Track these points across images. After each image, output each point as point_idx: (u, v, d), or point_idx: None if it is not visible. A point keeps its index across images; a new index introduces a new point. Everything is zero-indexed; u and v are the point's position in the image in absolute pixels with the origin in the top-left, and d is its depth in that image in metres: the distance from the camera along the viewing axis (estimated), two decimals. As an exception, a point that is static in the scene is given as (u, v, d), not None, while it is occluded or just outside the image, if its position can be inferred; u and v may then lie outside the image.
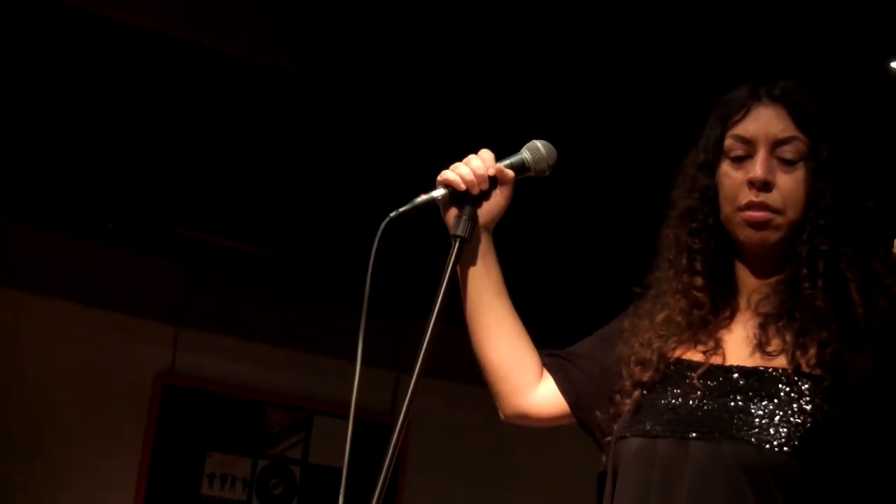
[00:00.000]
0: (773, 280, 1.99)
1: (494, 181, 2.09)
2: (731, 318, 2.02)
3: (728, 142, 2.00)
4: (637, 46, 4.16)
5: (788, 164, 1.96)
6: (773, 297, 1.98)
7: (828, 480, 1.83)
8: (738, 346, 1.98)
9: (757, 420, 1.86)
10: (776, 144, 1.96)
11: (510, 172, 2.10)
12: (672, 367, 1.99)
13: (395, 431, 1.89)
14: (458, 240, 2.05)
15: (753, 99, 1.99)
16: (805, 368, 1.89)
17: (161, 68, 4.43)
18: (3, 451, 5.38)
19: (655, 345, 2.02)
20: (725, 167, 2.00)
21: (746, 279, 2.02)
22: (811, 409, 1.86)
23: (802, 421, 1.84)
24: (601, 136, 4.44)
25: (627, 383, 2.02)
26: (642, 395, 1.99)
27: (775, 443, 1.83)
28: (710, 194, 2.02)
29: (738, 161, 1.98)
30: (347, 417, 1.89)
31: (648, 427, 1.94)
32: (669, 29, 4.04)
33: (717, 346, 1.99)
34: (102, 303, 5.60)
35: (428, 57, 4.15)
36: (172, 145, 4.76)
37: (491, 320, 2.14)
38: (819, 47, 3.95)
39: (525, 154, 2.12)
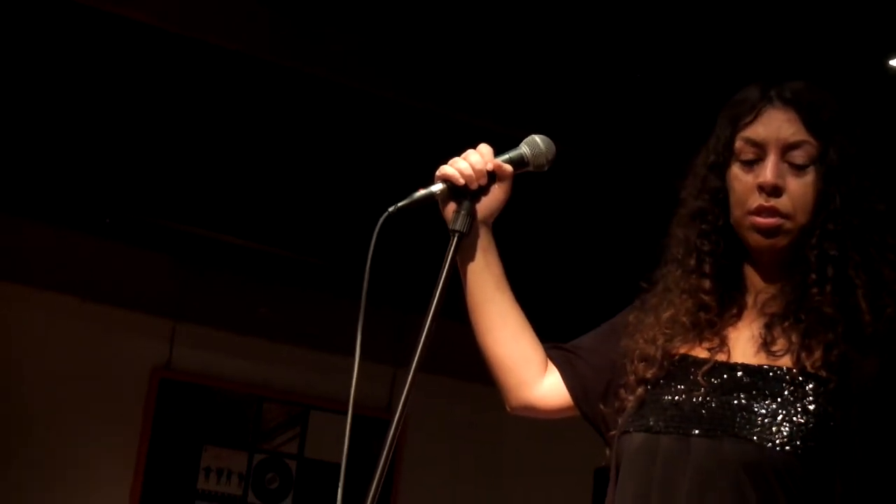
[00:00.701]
0: (780, 283, 1.99)
1: (493, 176, 2.09)
2: (738, 316, 2.02)
3: (738, 144, 1.99)
4: (638, 43, 4.15)
5: (798, 168, 1.95)
6: (779, 299, 1.98)
7: (829, 481, 1.82)
8: (743, 344, 1.98)
9: (760, 419, 1.86)
10: (786, 148, 1.96)
11: (508, 167, 2.10)
12: (677, 364, 1.99)
13: (391, 426, 1.89)
14: (456, 234, 2.05)
15: (764, 101, 1.98)
16: (810, 369, 1.88)
17: (162, 65, 4.42)
18: (-1, 445, 5.38)
19: (660, 342, 2.02)
20: (735, 170, 1.99)
21: (754, 280, 2.02)
22: (814, 409, 1.85)
23: (805, 421, 1.84)
24: (602, 132, 4.44)
25: (631, 378, 2.02)
26: (646, 391, 1.99)
27: (777, 441, 1.83)
28: (720, 196, 2.01)
29: (749, 164, 1.97)
30: (344, 412, 1.93)
31: (652, 422, 1.94)
32: (670, 26, 4.04)
33: (723, 344, 1.99)
34: (99, 297, 5.60)
35: (428, 54, 4.15)
36: (171, 141, 4.76)
37: (493, 314, 2.14)
38: (818, 45, 3.95)
39: (524, 149, 2.12)
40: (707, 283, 2.01)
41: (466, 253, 2.12)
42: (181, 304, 5.72)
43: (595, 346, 2.16)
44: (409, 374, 1.93)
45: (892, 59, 4.10)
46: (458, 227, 2.06)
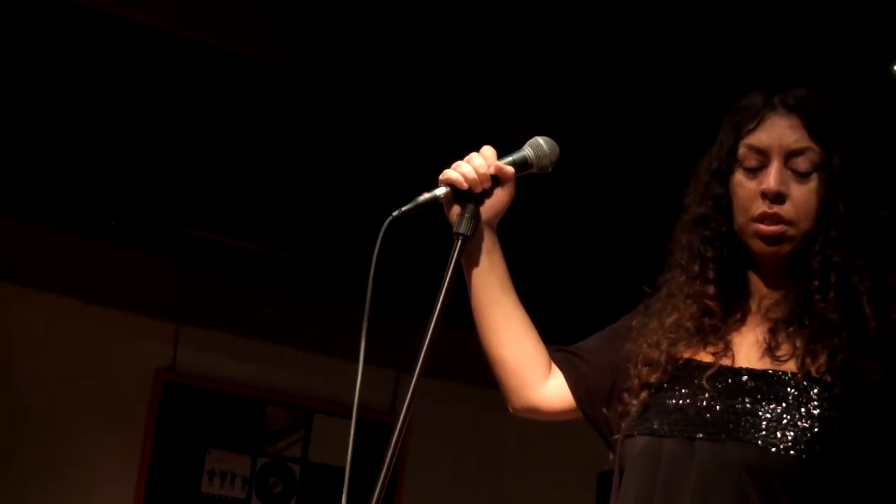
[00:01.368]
0: (784, 288, 1.99)
1: (497, 178, 2.09)
2: (742, 321, 2.02)
3: (741, 151, 1.99)
4: (642, 46, 4.15)
5: (802, 175, 1.95)
6: (784, 304, 1.98)
7: (832, 486, 1.83)
8: (747, 349, 1.98)
9: (764, 423, 1.86)
10: (790, 155, 1.96)
11: (511, 170, 2.09)
12: (681, 368, 2.00)
13: (395, 430, 1.89)
14: (460, 237, 2.05)
15: (767, 108, 1.98)
16: (815, 374, 1.88)
17: (163, 66, 4.42)
18: (2, 447, 5.37)
19: (664, 346, 2.02)
20: (739, 177, 2.00)
21: (758, 286, 2.02)
22: (819, 414, 1.85)
23: (810, 425, 1.84)
24: (606, 136, 4.43)
25: (635, 382, 2.02)
26: (650, 395, 1.99)
27: (781, 446, 1.83)
28: (724, 203, 2.02)
29: (752, 171, 1.98)
30: (347, 416, 1.88)
31: (656, 426, 1.94)
32: (675, 30, 4.04)
33: (727, 349, 1.99)
34: (104, 299, 5.60)
35: (428, 55, 4.15)
36: (173, 142, 4.76)
37: (498, 316, 2.14)
38: (821, 51, 3.95)
39: (527, 151, 2.12)
40: (711, 289, 2.02)
41: (471, 256, 2.12)
42: (185, 306, 5.72)
43: (598, 350, 2.16)
44: (412, 377, 1.94)
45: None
46: (462, 230, 2.06)
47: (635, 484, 1.94)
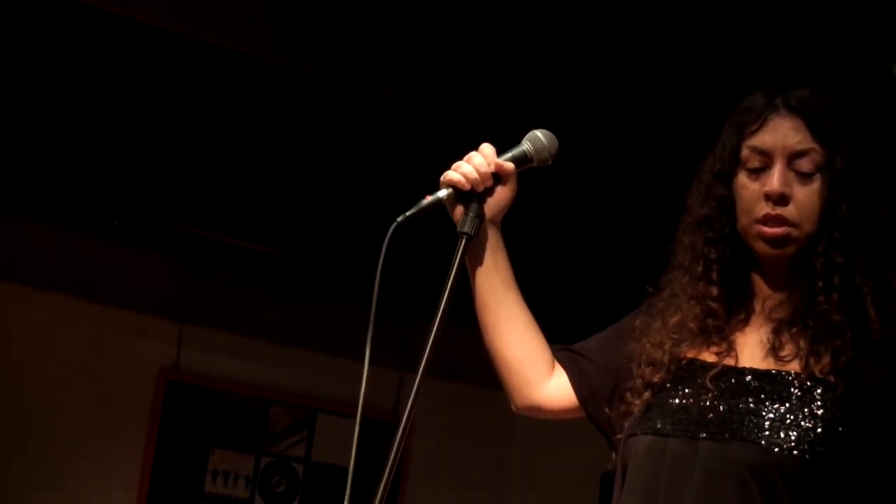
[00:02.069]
0: (788, 289, 1.99)
1: (498, 176, 2.10)
2: (746, 321, 2.02)
3: (744, 152, 1.99)
4: (645, 46, 4.15)
5: (805, 176, 1.95)
6: (787, 305, 1.98)
7: (835, 487, 1.82)
8: (751, 349, 1.98)
9: (767, 423, 1.86)
10: (793, 157, 1.95)
11: (511, 166, 2.10)
12: (684, 368, 1.99)
13: (398, 430, 1.89)
14: (464, 237, 2.06)
15: (770, 109, 1.98)
16: (818, 374, 1.88)
17: (163, 65, 4.42)
18: (4, 447, 5.38)
19: (667, 346, 2.02)
20: (742, 178, 1.99)
21: (761, 287, 2.02)
22: (823, 414, 1.85)
23: (813, 425, 1.84)
24: (607, 135, 4.43)
25: (638, 382, 2.02)
26: (653, 394, 1.99)
27: (784, 446, 1.83)
28: (727, 204, 2.01)
29: (755, 172, 1.97)
30: (351, 416, 1.92)
31: (659, 426, 1.94)
32: (677, 30, 4.03)
33: (730, 349, 1.99)
34: (107, 299, 5.60)
35: (428, 55, 4.15)
36: (176, 142, 4.76)
37: (502, 314, 2.15)
38: (824, 51, 3.95)
39: (526, 145, 2.12)
40: (714, 290, 2.02)
41: (475, 255, 2.12)
42: (189, 306, 5.72)
43: (601, 349, 2.16)
44: (416, 377, 1.94)
45: (896, 65, 4.09)
46: (466, 229, 2.06)
47: (638, 483, 1.94)
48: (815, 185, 1.95)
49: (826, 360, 1.89)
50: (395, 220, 1.98)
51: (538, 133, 2.13)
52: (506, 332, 2.15)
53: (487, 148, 2.10)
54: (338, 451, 5.92)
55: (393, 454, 1.88)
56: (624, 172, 4.59)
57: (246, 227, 5.02)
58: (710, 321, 2.01)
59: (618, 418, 2.05)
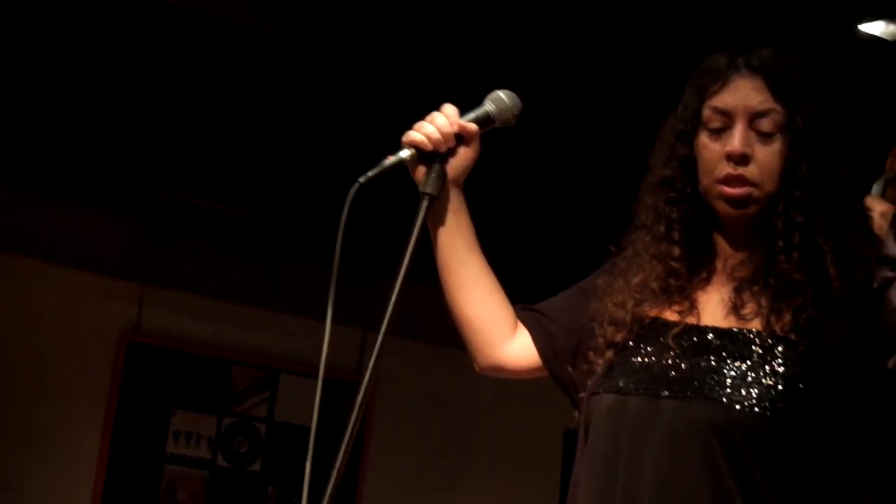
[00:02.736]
0: (749, 249, 2.00)
1: (461, 136, 2.10)
2: (707, 280, 2.03)
3: (706, 113, 1.99)
4: (605, 4, 4.14)
5: (766, 136, 1.95)
6: (749, 264, 1.99)
7: (797, 444, 1.84)
8: (713, 307, 1.99)
9: (729, 380, 1.87)
10: (754, 117, 1.96)
11: (474, 127, 2.10)
12: (646, 327, 2.01)
13: (360, 390, 1.90)
14: (427, 197, 2.06)
15: (731, 69, 1.98)
16: (779, 332, 1.90)
17: (127, 27, 4.38)
18: (-35, 409, 5.35)
19: (629, 305, 2.03)
20: (703, 138, 2.00)
21: (723, 246, 2.03)
22: (784, 372, 1.87)
23: (774, 383, 1.86)
24: (570, 95, 4.43)
25: (601, 341, 2.04)
26: (616, 354, 2.00)
27: (746, 403, 1.85)
28: (688, 164, 2.02)
29: (716, 133, 1.98)
30: (313, 376, 1.88)
31: (621, 384, 1.95)
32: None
33: (692, 307, 2.00)
34: (66, 260, 5.57)
35: (390, 14, 4.13)
36: (137, 102, 4.72)
37: (464, 275, 2.15)
38: (786, 10, 3.95)
39: (488, 106, 2.12)
40: (676, 250, 2.02)
41: (437, 215, 2.12)
42: (150, 267, 5.69)
43: (565, 309, 2.17)
44: (378, 336, 1.95)
45: (862, 24, 4.10)
46: (428, 189, 2.07)
47: (601, 441, 1.95)
48: (776, 145, 1.96)
49: (787, 318, 1.90)
50: (357, 181, 1.98)
51: (500, 93, 2.13)
52: (468, 293, 2.15)
53: (450, 108, 2.10)
54: (301, 412, 5.93)
55: (355, 414, 1.88)
56: (586, 133, 4.59)
57: (207, 188, 4.99)
58: (671, 281, 2.01)
59: (581, 377, 2.06)
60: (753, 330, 1.93)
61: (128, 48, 4.52)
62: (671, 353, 1.95)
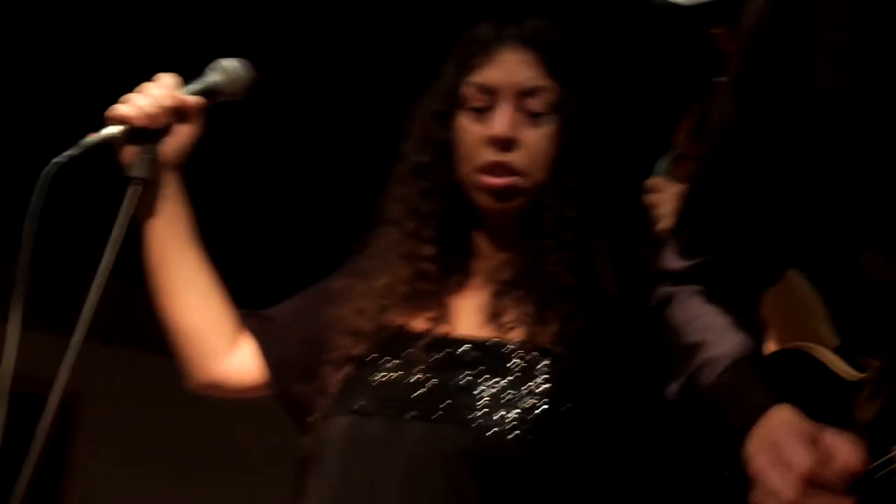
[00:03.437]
0: (513, 248, 1.83)
1: (181, 112, 1.88)
2: (464, 284, 1.85)
3: (467, 90, 1.82)
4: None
5: (536, 117, 1.79)
6: (512, 265, 1.82)
7: (558, 473, 1.68)
8: (469, 315, 1.81)
9: (484, 400, 1.69)
10: (522, 95, 1.79)
11: (195, 100, 1.89)
12: (391, 338, 1.81)
13: (51, 403, 1.70)
14: (136, 182, 1.83)
15: (498, 41, 1.82)
16: (544, 345, 1.73)
17: None
18: None
19: (372, 313, 1.84)
20: (463, 120, 1.82)
21: (483, 245, 1.85)
22: (547, 390, 1.69)
23: (535, 404, 1.69)
24: (314, 65, 4.15)
25: (338, 354, 1.84)
26: (354, 368, 1.80)
27: (501, 427, 1.67)
28: (446, 150, 1.83)
29: (478, 113, 1.81)
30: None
31: (360, 404, 1.76)
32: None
33: (445, 315, 1.81)
34: None
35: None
36: None
37: (179, 274, 1.91)
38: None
39: (213, 76, 1.92)
40: (428, 249, 1.84)
41: (148, 204, 1.89)
42: None
43: (297, 316, 1.95)
44: (74, 343, 1.74)
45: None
46: (138, 173, 1.84)
47: (334, 472, 1.75)
48: (548, 128, 1.79)
49: (553, 328, 1.73)
50: (52, 162, 1.75)
51: (227, 62, 1.93)
52: (182, 295, 1.91)
53: (167, 78, 1.88)
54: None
55: (45, 429, 1.69)
56: (330, 111, 4.32)
57: None
58: (421, 284, 1.83)
59: (312, 396, 1.85)
60: (514, 341, 1.75)
61: None
62: (419, 368, 1.76)
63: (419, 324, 1.81)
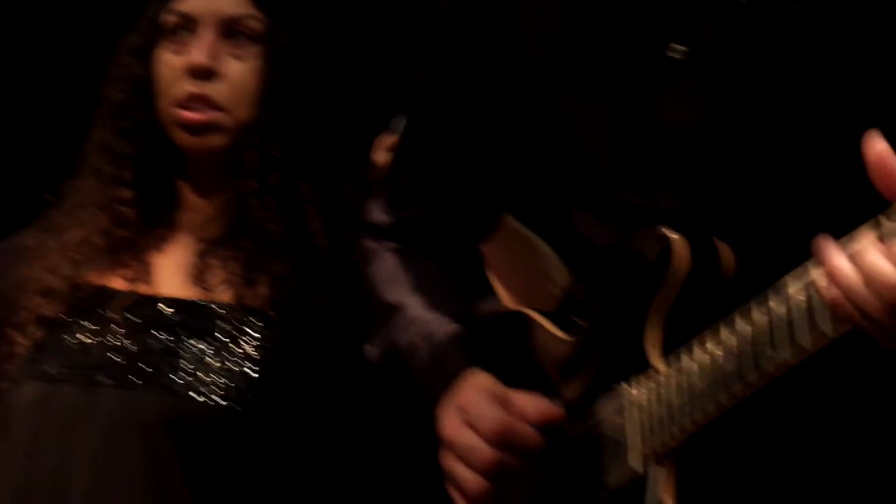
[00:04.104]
0: (220, 198, 1.72)
1: None
2: (167, 239, 1.74)
3: (166, 18, 1.70)
4: None
5: (240, 48, 1.68)
6: (219, 219, 1.72)
7: (266, 441, 1.62)
8: (172, 273, 1.71)
9: (189, 366, 1.62)
10: (226, 24, 1.69)
11: None
12: (87, 298, 1.70)
13: None
14: None
15: None
16: (254, 307, 1.67)
17: None
18: None
19: (66, 270, 1.71)
20: (163, 52, 1.71)
21: (189, 196, 1.75)
22: (257, 356, 1.63)
23: (244, 369, 1.62)
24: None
25: (27, 316, 1.71)
26: (47, 332, 1.69)
27: (209, 394, 1.60)
28: (145, 87, 1.72)
29: (178, 45, 1.70)
30: None
31: (51, 370, 1.65)
32: None
33: (147, 273, 1.71)
34: None
35: None
36: None
37: None
38: None
39: None
40: (127, 193, 1.73)
41: None
42: None
43: None
44: None
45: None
46: None
47: (20, 443, 1.65)
48: (253, 61, 1.69)
49: (263, 289, 1.66)
50: None
51: None
52: None
53: None
54: None
55: None
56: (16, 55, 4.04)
57: None
58: (119, 231, 1.71)
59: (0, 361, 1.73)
60: (221, 302, 1.67)
61: None
62: (117, 330, 1.66)
63: (118, 283, 1.71)
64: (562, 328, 1.25)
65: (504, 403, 1.15)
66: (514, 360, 1.26)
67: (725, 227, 1.10)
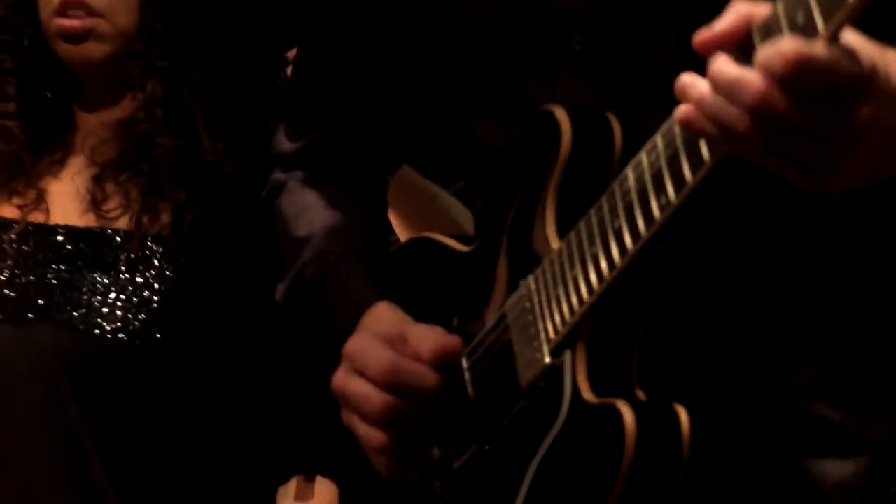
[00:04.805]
0: (115, 119, 1.62)
1: None
2: (61, 164, 1.65)
3: None
4: None
5: None
6: (114, 141, 1.62)
7: (169, 375, 1.54)
8: (67, 200, 1.62)
9: (87, 298, 1.55)
10: None
11: None
12: None
13: None
14: None
15: None
16: (156, 235, 1.56)
17: None
18: None
19: None
20: None
21: (83, 117, 1.65)
22: (160, 288, 1.56)
23: (146, 301, 1.55)
24: None
25: None
26: None
27: (109, 328, 1.53)
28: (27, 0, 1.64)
29: None
30: None
31: None
32: None
33: (39, 200, 1.62)
34: None
35: None
36: None
37: None
38: None
39: None
40: (11, 107, 1.63)
41: None
42: None
43: None
44: None
45: None
46: None
47: None
48: None
49: (165, 217, 1.57)
50: None
51: None
52: None
53: None
54: None
55: None
56: None
57: None
58: (4, 146, 1.61)
59: None
60: (120, 231, 1.58)
61: None
62: (8, 262, 1.59)
63: (9, 211, 1.63)
64: (465, 244, 1.16)
65: (394, 343, 1.07)
66: (422, 287, 1.19)
67: (625, 105, 1.02)
